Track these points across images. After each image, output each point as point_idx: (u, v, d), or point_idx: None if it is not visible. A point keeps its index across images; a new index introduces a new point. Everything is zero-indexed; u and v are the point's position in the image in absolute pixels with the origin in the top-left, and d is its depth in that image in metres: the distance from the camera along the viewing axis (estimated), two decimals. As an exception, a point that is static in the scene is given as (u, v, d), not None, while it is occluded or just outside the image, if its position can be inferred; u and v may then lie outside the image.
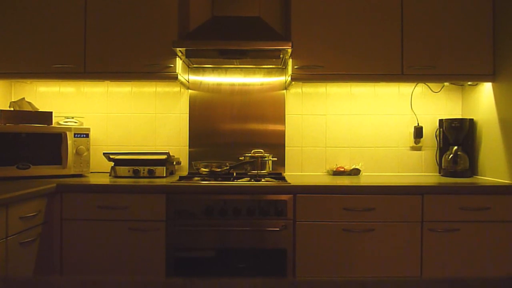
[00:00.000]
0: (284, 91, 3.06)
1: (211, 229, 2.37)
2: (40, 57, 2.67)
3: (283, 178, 2.67)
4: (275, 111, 3.05)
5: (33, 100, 2.91)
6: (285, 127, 3.06)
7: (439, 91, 3.06)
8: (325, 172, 3.05)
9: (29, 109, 2.80)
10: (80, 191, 2.38)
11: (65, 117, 2.93)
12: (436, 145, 3.04)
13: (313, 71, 2.66)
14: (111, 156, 2.74)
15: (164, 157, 2.72)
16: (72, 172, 2.69)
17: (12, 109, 2.78)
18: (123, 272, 2.36)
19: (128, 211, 2.36)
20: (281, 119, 3.05)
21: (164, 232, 2.36)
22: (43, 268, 2.24)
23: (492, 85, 2.70)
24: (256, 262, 2.37)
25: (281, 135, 3.05)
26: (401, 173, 3.06)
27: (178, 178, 2.67)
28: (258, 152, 2.80)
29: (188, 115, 3.05)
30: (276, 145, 3.03)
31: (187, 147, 3.05)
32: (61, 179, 2.52)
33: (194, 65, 3.01)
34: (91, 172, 2.85)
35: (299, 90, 3.08)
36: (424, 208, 2.38)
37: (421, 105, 3.07)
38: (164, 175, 2.69)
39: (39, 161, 2.61)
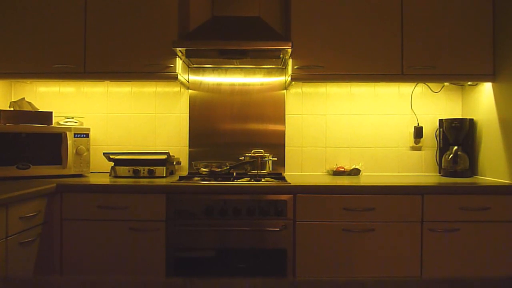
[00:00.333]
0: (284, 91, 3.06)
1: (211, 229, 2.37)
2: (40, 57, 2.67)
3: (283, 178, 2.67)
4: (275, 111, 3.05)
5: (33, 100, 2.91)
6: (285, 127, 3.06)
7: (439, 91, 3.06)
8: (325, 172, 3.05)
9: (29, 109, 2.80)
10: (80, 191, 2.38)
11: (65, 117, 2.93)
12: (436, 145, 3.04)
13: (313, 71, 2.66)
14: (111, 156, 2.74)
15: (164, 157, 2.72)
16: (72, 172, 2.69)
17: (12, 109, 2.78)
18: (123, 272, 2.36)
19: (128, 211, 2.36)
20: (281, 119, 3.05)
21: (164, 232, 2.36)
22: (43, 268, 2.24)
23: (492, 85, 2.70)
24: (256, 262, 2.37)
25: (281, 135, 3.05)
26: (401, 173, 3.06)
27: (178, 178, 2.67)
28: (258, 152, 2.80)
29: (188, 115, 3.05)
30: (276, 145, 3.03)
31: (187, 147, 3.05)
32: (61, 179, 2.52)
33: (194, 65, 3.01)
34: (91, 172, 2.85)
35: (299, 90, 3.08)
36: (424, 208, 2.38)
37: (421, 105, 3.07)
38: (164, 175, 2.69)
39: (39, 161, 2.61)
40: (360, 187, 2.42)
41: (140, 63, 2.65)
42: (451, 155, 2.84)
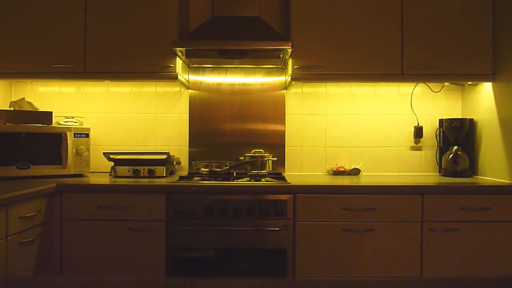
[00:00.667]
0: (284, 91, 3.06)
1: (211, 229, 2.37)
2: (40, 57, 2.67)
3: (283, 178, 2.67)
4: (275, 111, 3.05)
5: (33, 100, 2.91)
6: (285, 127, 3.06)
7: (439, 91, 3.06)
8: (325, 172, 3.05)
9: (29, 109, 2.80)
10: (80, 191, 2.38)
11: (65, 117, 2.93)
12: (436, 145, 3.04)
13: (313, 71, 2.66)
14: (111, 156, 2.74)
15: (164, 157, 2.72)
16: (72, 172, 2.69)
17: (12, 109, 2.78)
18: (123, 272, 2.36)
19: (128, 211, 2.36)
20: (281, 119, 3.05)
21: (164, 232, 2.36)
22: (43, 268, 2.24)
23: (492, 85, 2.70)
24: (256, 262, 2.37)
25: (281, 135, 3.05)
26: (401, 173, 3.06)
27: (178, 178, 2.67)
28: (258, 152, 2.80)
29: (188, 115, 3.05)
30: (276, 145, 3.03)
31: (187, 147, 3.05)
32: (61, 179, 2.52)
33: (194, 65, 3.01)
34: (91, 172, 2.85)
35: (299, 90, 3.08)
36: (424, 208, 2.38)
37: (421, 105, 3.07)
38: (164, 175, 2.69)
39: (39, 161, 2.61)
40: (360, 187, 2.42)
41: (140, 63, 2.65)
42: (451, 155, 2.84)
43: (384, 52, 2.67)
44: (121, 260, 2.36)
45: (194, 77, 3.06)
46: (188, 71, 3.04)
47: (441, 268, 2.37)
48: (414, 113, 3.06)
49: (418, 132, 3.04)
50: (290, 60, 2.70)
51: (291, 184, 2.42)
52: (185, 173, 2.98)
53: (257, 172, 2.74)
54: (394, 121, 3.07)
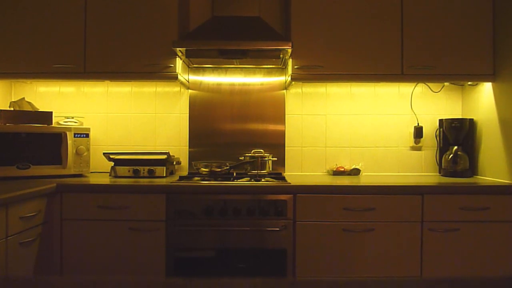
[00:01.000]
0: (284, 91, 3.06)
1: (211, 229, 2.37)
2: (40, 57, 2.67)
3: (283, 178, 2.67)
4: (275, 111, 3.05)
5: (33, 100, 2.91)
6: (285, 127, 3.06)
7: (439, 91, 3.06)
8: (325, 172, 3.05)
9: (29, 109, 2.80)
10: (80, 191, 2.38)
11: (65, 117, 2.93)
12: (436, 145, 3.04)
13: (313, 71, 2.66)
14: (111, 156, 2.74)
15: (164, 157, 2.72)
16: (72, 172, 2.69)
17: (12, 109, 2.78)
18: (123, 272, 2.36)
19: (128, 211, 2.36)
20: (281, 119, 3.05)
21: (164, 232, 2.36)
22: (43, 268, 2.24)
23: (492, 85, 2.70)
24: (256, 262, 2.37)
25: (281, 135, 3.05)
26: (401, 173, 3.06)
27: (178, 178, 2.67)
28: (258, 152, 2.80)
29: (188, 115, 3.05)
30: (276, 145, 3.03)
31: (187, 147, 3.05)
32: (61, 179, 2.52)
33: (194, 65, 3.01)
34: (91, 172, 2.85)
35: (299, 90, 3.08)
36: (424, 208, 2.38)
37: (421, 105, 3.07)
38: (164, 175, 2.69)
39: (39, 161, 2.61)
40: (360, 187, 2.42)
41: (140, 63, 2.65)
42: (451, 155, 2.84)
43: (384, 52, 2.67)
44: (121, 260, 2.36)
45: (194, 77, 3.06)
46: (188, 71, 3.04)
47: (441, 268, 2.37)
48: (414, 113, 3.06)
49: (418, 132, 3.04)
50: (290, 60, 2.70)
51: (291, 184, 2.42)
52: (185, 173, 2.98)
53: (257, 172, 2.74)
54: (394, 121, 3.07)
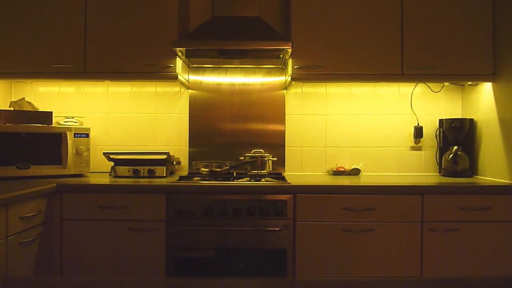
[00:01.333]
0: (284, 91, 3.06)
1: (211, 229, 2.37)
2: (40, 57, 2.67)
3: (283, 178, 2.67)
4: (275, 111, 3.05)
5: (33, 100, 2.91)
6: (285, 127, 3.06)
7: (439, 91, 3.06)
8: (325, 172, 3.05)
9: (29, 109, 2.80)
10: (80, 191, 2.38)
11: (65, 117, 2.93)
12: (436, 145, 3.04)
13: (313, 71, 2.66)
14: (111, 156, 2.74)
15: (164, 157, 2.72)
16: (72, 172, 2.69)
17: (12, 109, 2.78)
18: (123, 272, 2.36)
19: (128, 211, 2.36)
20: (281, 119, 3.05)
21: (164, 232, 2.36)
22: (43, 268, 2.24)
23: (492, 85, 2.70)
24: (256, 262, 2.37)
25: (281, 135, 3.05)
26: (401, 173, 3.06)
27: (178, 178, 2.67)
28: (258, 152, 2.80)
29: (188, 115, 3.05)
30: (276, 145, 3.03)
31: (187, 147, 3.05)
32: (61, 179, 2.52)
33: (194, 65, 3.01)
34: (91, 172, 2.85)
35: (299, 90, 3.08)
36: (424, 208, 2.38)
37: (421, 105, 3.07)
38: (164, 175, 2.69)
39: (39, 161, 2.61)
40: (360, 187, 2.42)
41: (140, 63, 2.65)
42: (451, 155, 2.84)
43: (384, 52, 2.67)
44: (121, 260, 2.36)
45: (194, 77, 3.06)
46: (188, 71, 3.04)
47: (441, 268, 2.37)
48: (414, 113, 3.06)
49: (418, 132, 3.04)
50: (290, 60, 2.70)
51: (291, 184, 2.42)
52: (185, 173, 2.98)
53: (257, 172, 2.74)
54: (394, 121, 3.07)
